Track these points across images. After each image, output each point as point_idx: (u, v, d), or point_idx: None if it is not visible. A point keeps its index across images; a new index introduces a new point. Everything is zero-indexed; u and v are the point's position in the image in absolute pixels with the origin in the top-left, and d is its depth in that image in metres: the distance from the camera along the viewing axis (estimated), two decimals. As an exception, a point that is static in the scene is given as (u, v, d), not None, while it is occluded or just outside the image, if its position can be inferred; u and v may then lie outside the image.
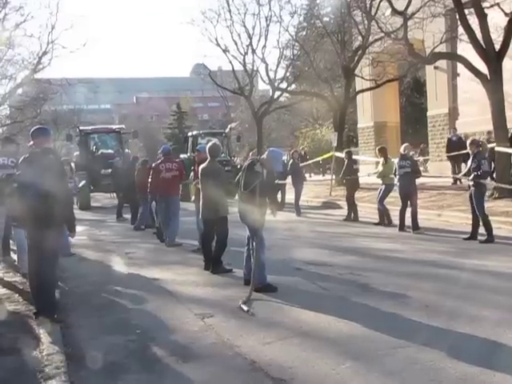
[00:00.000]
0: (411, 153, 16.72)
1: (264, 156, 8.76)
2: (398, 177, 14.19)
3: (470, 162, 12.30)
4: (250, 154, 22.25)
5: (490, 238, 11.82)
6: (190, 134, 31.13)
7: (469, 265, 9.64)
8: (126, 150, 28.41)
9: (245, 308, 7.23)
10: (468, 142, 12.95)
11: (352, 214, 16.75)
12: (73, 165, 22.69)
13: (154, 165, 14.25)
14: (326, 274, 9.35)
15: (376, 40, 27.05)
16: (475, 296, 7.63)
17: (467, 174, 12.44)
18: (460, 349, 5.60)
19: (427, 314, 6.79)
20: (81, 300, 8.38)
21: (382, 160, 15.48)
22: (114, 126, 34.68)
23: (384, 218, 15.22)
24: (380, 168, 15.47)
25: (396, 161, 14.51)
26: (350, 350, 5.66)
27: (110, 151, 27.26)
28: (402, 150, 14.55)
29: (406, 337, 5.91)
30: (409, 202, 14.01)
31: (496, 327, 6.19)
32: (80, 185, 22.44)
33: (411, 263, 10.12)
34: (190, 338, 6.23)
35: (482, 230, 12.15)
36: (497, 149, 17.65)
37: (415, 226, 13.78)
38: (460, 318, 6.60)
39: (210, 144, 10.59)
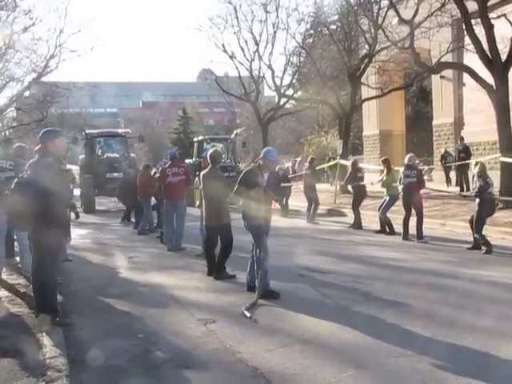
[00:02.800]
0: (416, 161, 16.75)
1: (260, 158, 8.72)
2: (402, 186, 14.19)
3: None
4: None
5: (488, 248, 11.83)
6: (195, 139, 31.15)
7: (471, 275, 9.64)
8: (132, 155, 28.50)
9: (247, 314, 7.24)
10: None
11: (356, 222, 16.81)
12: (75, 173, 22.80)
13: (161, 169, 14.31)
14: (328, 282, 9.36)
15: (382, 48, 27.14)
16: (476, 306, 7.62)
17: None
18: (461, 359, 5.60)
19: (429, 323, 6.79)
20: (84, 303, 8.40)
21: (385, 170, 15.56)
22: (120, 130, 34.78)
23: (385, 227, 15.22)
24: (383, 177, 15.54)
25: (401, 170, 14.54)
26: (351, 358, 5.67)
27: (115, 155, 27.34)
28: (406, 160, 14.55)
29: (407, 346, 5.91)
30: (413, 211, 14.04)
31: (497, 338, 6.18)
32: (75, 193, 22.60)
33: (414, 272, 10.11)
34: (192, 344, 6.24)
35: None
36: (501, 159, 17.64)
37: (419, 235, 13.77)
38: (461, 328, 6.60)
39: (211, 151, 10.65)
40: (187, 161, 28.86)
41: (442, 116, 30.16)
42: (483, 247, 11.86)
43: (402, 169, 14.56)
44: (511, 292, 8.45)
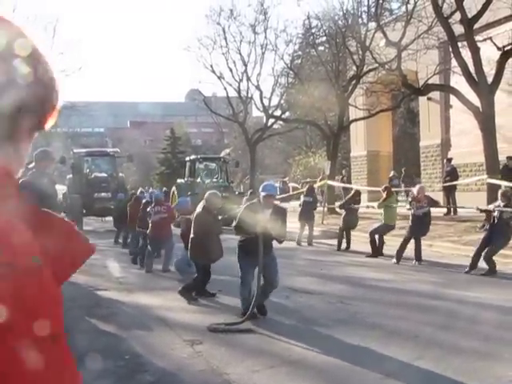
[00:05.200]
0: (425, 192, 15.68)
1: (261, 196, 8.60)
2: (412, 217, 13.81)
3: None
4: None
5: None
6: (187, 158, 31.11)
7: (458, 296, 9.66)
8: (120, 174, 28.42)
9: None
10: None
11: (344, 244, 16.70)
12: (61, 197, 22.68)
13: (148, 209, 14.46)
14: (315, 303, 9.34)
15: (370, 70, 27.38)
16: (463, 327, 7.63)
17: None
18: (449, 381, 5.58)
19: (416, 344, 6.79)
20: (70, 323, 8.30)
21: (384, 195, 15.60)
22: (108, 150, 34.68)
23: (376, 250, 15.09)
24: (381, 201, 15.65)
25: (409, 200, 14.44)
26: (337, 380, 5.65)
27: (103, 174, 27.27)
28: (415, 192, 14.15)
29: (394, 367, 5.90)
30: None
31: (485, 359, 6.18)
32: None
33: (400, 293, 10.12)
34: (178, 365, 6.19)
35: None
36: (488, 181, 17.76)
37: (419, 256, 13.65)
38: (449, 349, 6.60)
39: (208, 193, 10.28)
40: (179, 180, 28.90)
41: (429, 137, 30.34)
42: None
43: (409, 199, 14.48)
44: (497, 313, 8.46)
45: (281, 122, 44.81)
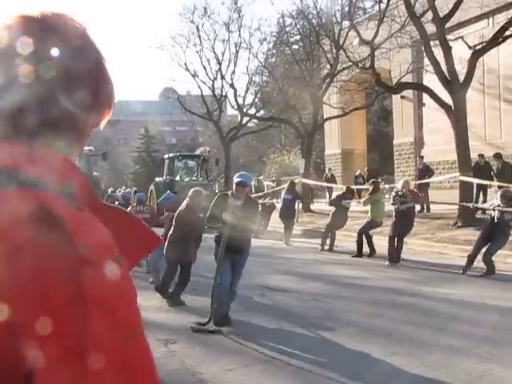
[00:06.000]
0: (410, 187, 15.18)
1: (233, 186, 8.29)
2: (395, 212, 13.61)
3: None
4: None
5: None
6: (166, 156, 30.50)
7: (431, 293, 9.75)
8: (95, 173, 28.15)
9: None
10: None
11: (325, 244, 16.32)
12: None
13: (129, 209, 14.18)
14: (290, 301, 9.35)
15: (344, 68, 27.50)
16: (436, 323, 7.68)
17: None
18: (422, 377, 5.62)
19: (389, 341, 6.83)
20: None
21: (370, 189, 15.25)
22: (82, 148, 34.30)
23: (361, 251, 14.76)
24: (367, 196, 15.34)
25: (392, 195, 14.08)
26: (311, 379, 5.65)
27: (96, 174, 26.99)
28: (400, 187, 13.92)
29: (367, 365, 5.93)
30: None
31: (458, 355, 6.24)
32: None
33: (376, 291, 10.17)
34: (152, 365, 6.14)
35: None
36: (460, 178, 17.93)
37: (399, 258, 13.41)
38: (422, 345, 6.64)
39: (191, 191, 9.97)
40: (157, 179, 28.58)
41: (402, 135, 30.59)
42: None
43: (393, 194, 14.11)
44: (469, 309, 8.56)
45: (255, 121, 44.78)
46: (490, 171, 19.23)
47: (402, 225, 13.47)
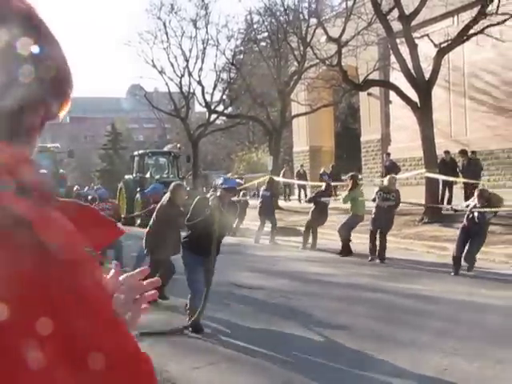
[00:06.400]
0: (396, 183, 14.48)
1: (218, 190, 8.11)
2: (376, 209, 13.31)
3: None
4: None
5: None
6: (136, 153, 29.88)
7: (396, 288, 9.83)
8: (61, 171, 27.79)
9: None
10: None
11: (306, 242, 15.78)
12: None
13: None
14: (257, 298, 9.33)
15: (311, 66, 27.60)
16: (401, 318, 7.76)
17: None
18: (387, 372, 5.65)
19: (354, 337, 6.85)
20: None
21: (349, 185, 14.76)
22: (48, 145, 33.86)
23: (349, 248, 14.29)
24: (346, 193, 14.97)
25: (375, 190, 13.69)
26: (278, 375, 5.64)
27: (43, 171, 26.49)
28: (386, 182, 13.69)
29: (334, 360, 5.94)
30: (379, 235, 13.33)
31: (421, 350, 6.29)
32: None
33: (342, 287, 10.21)
34: (118, 364, 6.08)
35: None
36: (426, 174, 18.10)
37: (384, 256, 13.12)
38: (387, 340, 6.68)
39: (172, 185, 9.89)
40: (127, 176, 28.21)
41: (369, 132, 30.79)
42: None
43: (376, 189, 13.79)
44: (433, 304, 8.65)
45: (223, 118, 44.72)
46: (456, 168, 19.45)
47: (383, 221, 13.21)
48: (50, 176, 25.33)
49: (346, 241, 14.34)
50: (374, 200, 13.38)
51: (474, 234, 11.23)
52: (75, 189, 26.29)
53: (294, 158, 38.58)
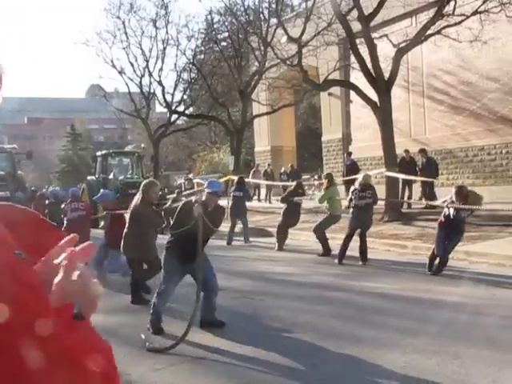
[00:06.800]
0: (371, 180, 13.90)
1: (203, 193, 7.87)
2: (354, 209, 12.74)
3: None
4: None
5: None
6: (98, 153, 29.07)
7: (358, 287, 9.89)
8: (19, 172, 27.33)
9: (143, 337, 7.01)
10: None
11: (282, 243, 15.31)
12: None
13: (62, 206, 13.36)
14: (219, 298, 9.25)
15: (272, 66, 27.67)
16: (362, 317, 7.79)
17: None
18: (349, 370, 5.68)
19: (317, 335, 6.86)
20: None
21: (325, 184, 14.54)
22: (5, 146, 33.26)
23: (328, 247, 14.03)
24: (322, 192, 14.73)
25: (352, 190, 13.10)
26: (240, 375, 5.62)
27: (0, 172, 26.03)
28: (361, 179, 13.01)
29: (296, 359, 5.93)
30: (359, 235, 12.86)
31: (382, 347, 6.33)
32: None
33: (304, 286, 10.23)
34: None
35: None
36: (386, 173, 18.28)
37: (366, 257, 12.73)
38: (348, 338, 6.71)
39: (144, 184, 9.69)
40: (89, 177, 27.82)
41: (330, 132, 30.98)
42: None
43: (352, 188, 13.17)
44: (394, 302, 8.72)
45: (184, 118, 44.56)
46: (415, 166, 19.68)
47: (362, 219, 12.76)
48: (7, 178, 24.92)
49: (323, 240, 14.10)
50: (350, 200, 12.91)
51: (451, 232, 11.02)
52: (32, 189, 25.86)
53: (256, 158, 38.60)
